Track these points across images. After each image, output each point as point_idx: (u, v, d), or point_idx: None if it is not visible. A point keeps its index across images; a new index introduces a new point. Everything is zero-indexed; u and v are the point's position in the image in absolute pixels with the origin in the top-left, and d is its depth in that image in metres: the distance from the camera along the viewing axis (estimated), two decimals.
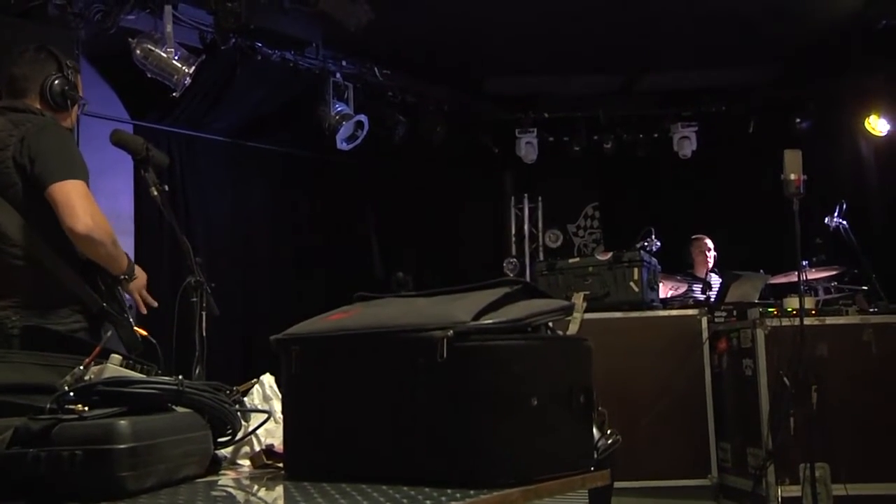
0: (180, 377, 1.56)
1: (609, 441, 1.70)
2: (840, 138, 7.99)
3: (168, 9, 5.35)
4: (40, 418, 1.34)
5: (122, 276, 2.79)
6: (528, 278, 7.47)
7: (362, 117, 7.05)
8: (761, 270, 6.27)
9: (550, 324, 1.64)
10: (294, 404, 1.64)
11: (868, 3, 6.45)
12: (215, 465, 1.63)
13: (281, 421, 1.72)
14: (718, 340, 5.31)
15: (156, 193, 2.75)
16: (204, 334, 2.67)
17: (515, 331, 1.51)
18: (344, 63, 7.06)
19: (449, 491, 1.37)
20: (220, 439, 1.66)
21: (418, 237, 8.31)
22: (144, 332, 2.75)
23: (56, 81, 2.86)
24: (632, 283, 5.37)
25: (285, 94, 7.04)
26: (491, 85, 8.27)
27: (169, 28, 5.35)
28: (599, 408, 1.64)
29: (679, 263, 7.02)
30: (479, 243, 9.01)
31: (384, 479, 1.45)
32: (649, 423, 5.09)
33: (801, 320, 4.48)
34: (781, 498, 4.62)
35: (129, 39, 5.38)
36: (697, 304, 6.11)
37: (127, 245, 5.22)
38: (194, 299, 2.68)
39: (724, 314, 5.49)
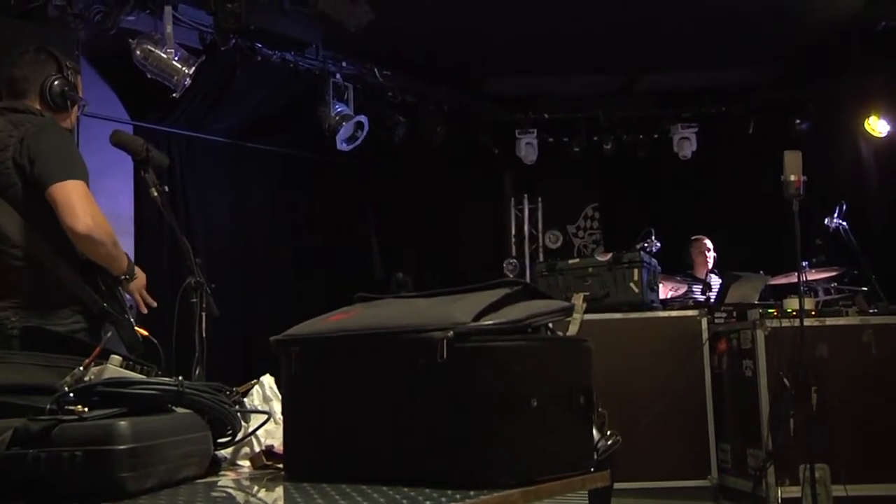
0: (180, 378, 1.56)
1: (609, 442, 1.70)
2: (840, 139, 8.00)
3: (168, 10, 5.35)
4: (40, 419, 1.34)
5: (123, 277, 2.79)
6: (527, 279, 7.47)
7: (362, 118, 7.06)
8: (761, 271, 6.27)
9: (550, 325, 1.64)
10: (294, 405, 1.64)
11: (868, 5, 6.46)
12: (215, 466, 1.63)
13: (281, 422, 1.72)
14: (718, 341, 5.31)
15: (156, 194, 2.75)
16: (204, 335, 2.67)
17: (515, 332, 1.50)
18: (344, 64, 7.06)
19: (449, 492, 1.37)
20: (220, 440, 1.66)
21: (418, 238, 8.31)
22: (145, 333, 2.75)
23: (56, 82, 2.87)
24: (632, 284, 5.37)
25: (285, 94, 7.04)
26: (491, 85, 8.27)
27: (169, 29, 5.35)
28: (599, 409, 1.64)
29: (679, 264, 7.02)
30: (478, 244, 9.01)
31: (384, 480, 1.45)
32: (649, 424, 5.10)
33: (801, 321, 4.48)
34: (781, 499, 4.62)
35: (129, 40, 5.39)
36: (697, 304, 6.11)
37: (127, 246, 5.21)
38: (194, 300, 2.68)
39: (723, 315, 5.49)
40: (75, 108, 3.00)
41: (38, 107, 2.84)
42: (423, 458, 1.45)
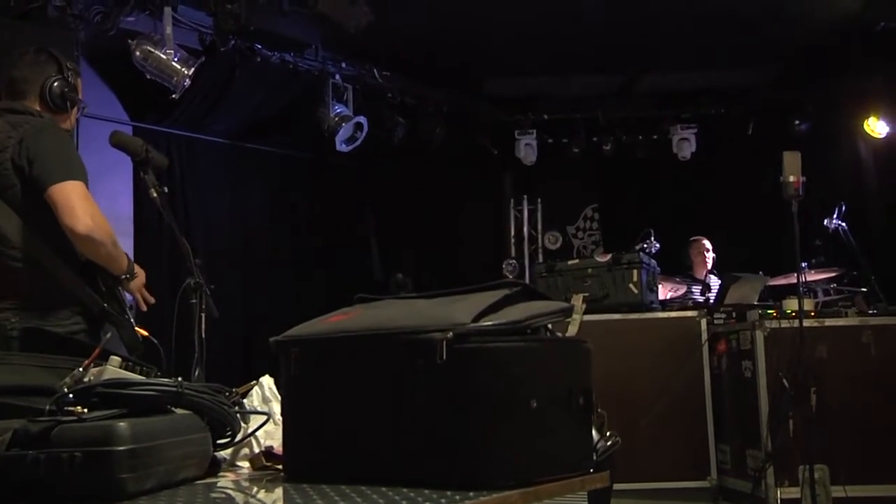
0: (179, 379, 1.56)
1: (608, 443, 1.70)
2: (839, 140, 8.00)
3: (167, 10, 5.35)
4: (40, 420, 1.33)
5: (124, 276, 2.79)
6: (527, 280, 7.48)
7: (361, 119, 7.05)
8: (760, 272, 6.27)
9: (550, 325, 1.64)
10: (293, 406, 1.64)
11: (867, 5, 6.46)
12: (214, 467, 1.63)
13: (280, 423, 1.72)
14: (718, 342, 5.31)
15: (155, 195, 2.75)
16: (203, 336, 2.67)
17: (515, 333, 1.50)
18: (343, 65, 7.07)
19: (448, 493, 1.37)
20: (220, 441, 1.66)
21: (418, 238, 8.31)
22: (146, 333, 2.75)
23: (56, 83, 2.86)
24: (631, 285, 5.37)
25: (284, 95, 7.04)
26: (490, 86, 8.27)
27: (168, 30, 5.35)
28: (599, 409, 1.64)
29: (678, 265, 7.02)
30: (478, 245, 9.01)
31: (383, 481, 1.45)
32: (649, 425, 5.10)
33: (801, 322, 4.48)
34: (781, 500, 4.63)
35: (129, 41, 5.39)
36: (697, 305, 6.10)
37: (126, 247, 5.18)
38: (194, 301, 2.68)
39: (723, 316, 5.50)
40: (75, 109, 2.99)
41: (38, 108, 2.84)
42: (422, 458, 1.45)
